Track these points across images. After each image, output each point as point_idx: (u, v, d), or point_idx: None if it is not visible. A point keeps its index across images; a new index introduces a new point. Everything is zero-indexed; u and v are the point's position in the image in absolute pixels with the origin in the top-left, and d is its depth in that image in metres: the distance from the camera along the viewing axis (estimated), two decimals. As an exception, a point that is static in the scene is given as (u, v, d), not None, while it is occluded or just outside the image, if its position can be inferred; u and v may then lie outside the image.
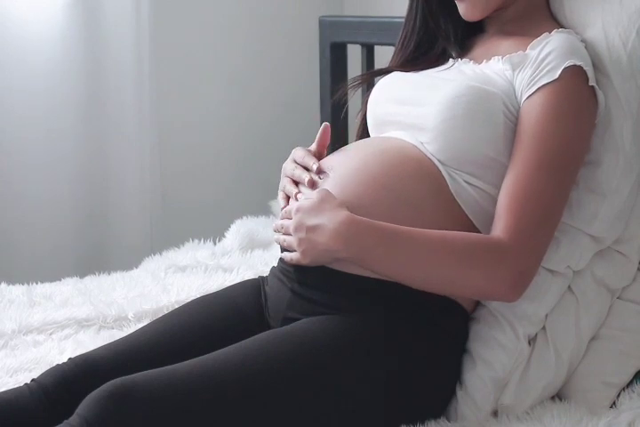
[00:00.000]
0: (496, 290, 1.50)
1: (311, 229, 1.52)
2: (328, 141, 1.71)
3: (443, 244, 1.49)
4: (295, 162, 1.67)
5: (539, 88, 1.55)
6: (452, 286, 1.52)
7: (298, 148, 1.71)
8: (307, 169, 1.64)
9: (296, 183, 1.65)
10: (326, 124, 1.72)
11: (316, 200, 1.54)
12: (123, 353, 1.57)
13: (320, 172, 1.62)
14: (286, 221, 1.58)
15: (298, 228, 1.54)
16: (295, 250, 1.55)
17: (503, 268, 1.48)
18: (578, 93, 1.55)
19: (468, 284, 1.50)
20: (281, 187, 1.68)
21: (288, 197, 1.66)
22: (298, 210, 1.55)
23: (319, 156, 1.69)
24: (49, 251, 2.87)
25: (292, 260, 1.57)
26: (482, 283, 1.49)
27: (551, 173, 1.52)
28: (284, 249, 1.61)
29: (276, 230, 1.62)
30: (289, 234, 1.56)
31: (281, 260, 1.64)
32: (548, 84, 1.54)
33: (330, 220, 1.51)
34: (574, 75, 1.55)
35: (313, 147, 1.71)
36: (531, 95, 1.55)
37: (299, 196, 1.61)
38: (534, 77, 1.56)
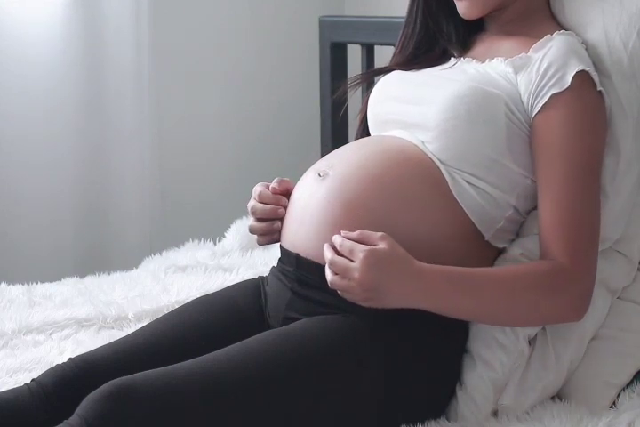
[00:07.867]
0: (565, 316, 1.53)
1: (377, 291, 1.44)
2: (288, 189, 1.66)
3: (512, 284, 1.50)
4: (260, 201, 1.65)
5: (550, 99, 1.54)
6: (524, 321, 1.54)
7: (257, 186, 1.67)
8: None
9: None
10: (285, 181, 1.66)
11: (381, 253, 1.44)
12: (123, 353, 1.57)
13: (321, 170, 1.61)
14: (342, 261, 1.44)
15: (364, 286, 1.43)
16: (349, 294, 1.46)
17: (569, 293, 1.50)
18: (590, 101, 1.55)
19: (538, 316, 1.52)
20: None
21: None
22: (364, 264, 1.42)
23: (283, 194, 1.65)
24: (49, 251, 2.86)
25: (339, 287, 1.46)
26: (552, 312, 1.51)
27: (586, 188, 1.53)
28: (285, 252, 1.61)
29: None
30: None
31: (280, 260, 1.64)
32: (559, 93, 1.54)
33: (399, 283, 1.45)
34: (583, 81, 1.54)
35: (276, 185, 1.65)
36: (544, 107, 1.54)
37: None
38: (543, 86, 1.55)
